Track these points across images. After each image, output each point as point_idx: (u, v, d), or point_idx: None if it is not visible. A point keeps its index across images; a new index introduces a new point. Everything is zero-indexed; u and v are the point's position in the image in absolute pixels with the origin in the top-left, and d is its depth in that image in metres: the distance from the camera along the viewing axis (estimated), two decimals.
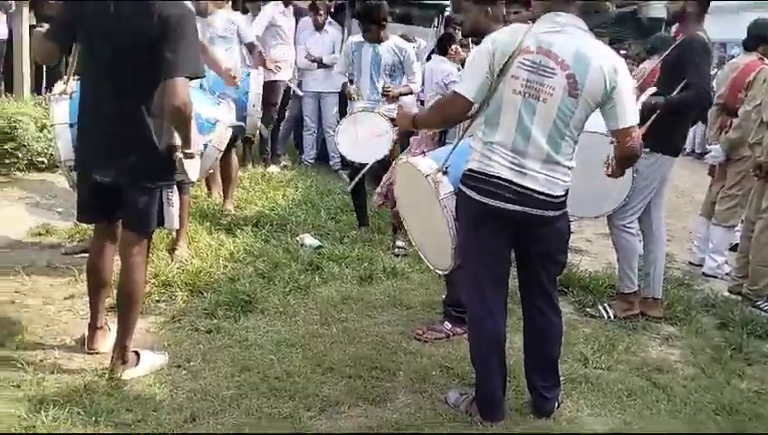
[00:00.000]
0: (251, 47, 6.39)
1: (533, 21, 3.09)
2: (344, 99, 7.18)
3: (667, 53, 4.65)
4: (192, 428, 2.99)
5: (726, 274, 5.84)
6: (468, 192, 3.12)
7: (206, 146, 4.16)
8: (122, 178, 3.28)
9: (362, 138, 5.69)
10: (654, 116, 4.38)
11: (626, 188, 4.38)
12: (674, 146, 4.58)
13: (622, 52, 9.36)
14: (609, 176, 3.34)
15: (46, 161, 6.32)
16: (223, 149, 4.82)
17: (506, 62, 2.98)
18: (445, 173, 3.28)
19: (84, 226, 4.89)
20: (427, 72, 7.13)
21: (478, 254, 3.18)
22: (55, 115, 3.88)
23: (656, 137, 4.39)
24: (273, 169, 8.09)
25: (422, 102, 6.93)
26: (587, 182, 3.33)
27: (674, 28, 5.88)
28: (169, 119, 3.17)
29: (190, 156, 3.31)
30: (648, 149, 4.44)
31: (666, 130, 4.39)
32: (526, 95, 2.98)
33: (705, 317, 4.82)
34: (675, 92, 4.34)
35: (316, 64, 8.28)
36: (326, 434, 2.70)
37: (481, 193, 3.07)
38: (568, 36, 2.98)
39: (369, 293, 4.67)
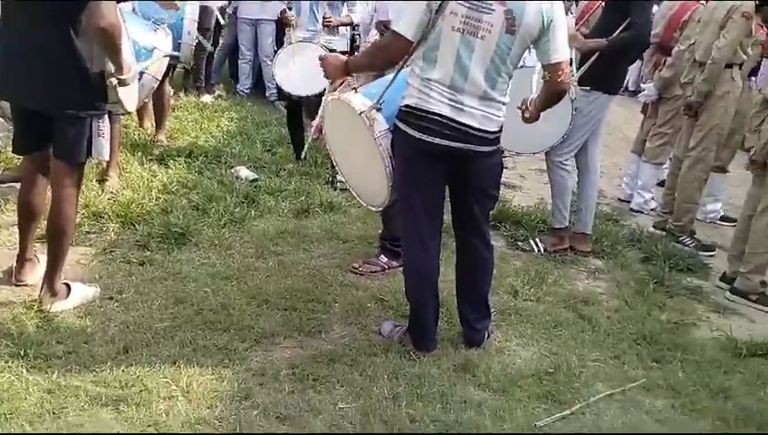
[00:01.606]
0: None
1: None
2: (281, 27, 7.04)
3: None
4: (125, 359, 2.97)
5: (653, 209, 6.05)
6: (405, 128, 3.11)
7: (142, 74, 4.03)
8: (50, 106, 3.16)
9: (300, 69, 5.59)
10: (594, 56, 4.43)
11: (564, 124, 4.44)
12: (613, 84, 4.65)
13: None
14: (525, 120, 3.34)
15: None
16: (160, 78, 4.69)
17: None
18: (379, 110, 3.26)
19: (9, 154, 4.73)
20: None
21: (414, 189, 3.19)
22: None
23: (596, 75, 4.46)
24: (206, 98, 7.92)
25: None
26: None
27: None
28: (96, 42, 3.04)
29: (124, 82, 3.20)
30: (587, 88, 4.53)
31: (606, 68, 4.45)
32: (465, 32, 2.96)
33: (631, 251, 5.00)
34: (617, 32, 4.38)
35: None
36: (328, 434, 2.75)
37: (419, 129, 3.07)
38: None
39: (305, 226, 4.67)
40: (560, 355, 3.41)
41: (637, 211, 6.10)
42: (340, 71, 3.38)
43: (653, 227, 5.57)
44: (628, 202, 6.29)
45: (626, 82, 12.58)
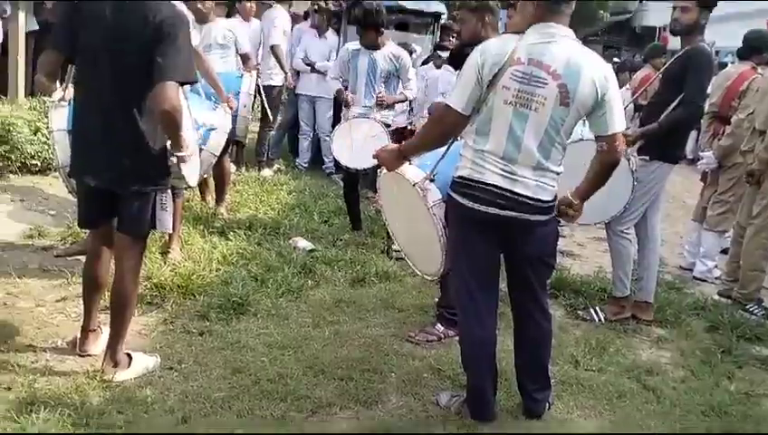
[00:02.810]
0: (245, 57, 6.41)
1: (524, 31, 3.10)
2: (338, 104, 7.20)
3: (670, 61, 4.65)
4: (184, 429, 2.99)
5: (717, 278, 5.89)
6: (459, 198, 3.13)
7: (201, 150, 4.18)
8: (116, 182, 3.29)
9: (357, 143, 5.71)
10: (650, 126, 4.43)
11: (626, 195, 4.41)
12: (673, 154, 4.62)
13: (615, 60, 9.38)
14: (567, 219, 3.27)
15: (39, 164, 6.32)
16: (218, 154, 4.84)
17: (496, 74, 2.99)
18: (432, 180, 3.30)
19: (76, 229, 4.90)
20: (431, 81, 7.16)
21: (468, 258, 3.19)
22: (54, 121, 3.90)
23: (655, 145, 4.44)
24: (266, 172, 8.12)
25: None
26: None
27: (663, 36, 5.88)
28: (159, 122, 3.18)
29: (182, 159, 3.32)
30: (647, 157, 4.50)
31: (665, 138, 4.43)
32: (517, 105, 3.00)
33: (695, 320, 4.84)
34: (671, 107, 4.37)
35: (310, 68, 8.31)
36: (320, 434, 2.70)
37: (472, 199, 3.09)
38: (558, 46, 2.99)
39: (361, 296, 4.68)
40: (624, 427, 3.30)
41: (700, 279, 5.94)
42: (396, 159, 3.40)
43: (718, 295, 5.40)
44: (690, 270, 6.14)
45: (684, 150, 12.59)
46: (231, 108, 5.15)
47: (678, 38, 4.57)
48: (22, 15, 7.82)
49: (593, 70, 2.98)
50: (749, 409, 3.62)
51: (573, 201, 3.22)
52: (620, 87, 3.32)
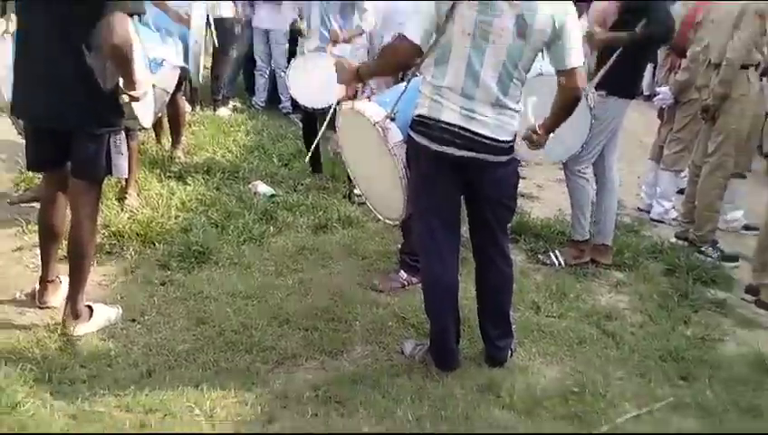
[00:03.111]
0: None
1: None
2: (294, 38, 7.03)
3: None
4: (148, 382, 2.97)
5: (674, 219, 5.94)
6: (418, 138, 3.09)
7: (152, 87, 4.04)
8: (66, 123, 3.16)
9: (315, 81, 5.56)
10: (614, 56, 4.38)
11: (584, 132, 4.39)
12: (630, 89, 4.59)
13: None
14: (531, 147, 3.26)
15: None
16: (171, 91, 4.68)
17: (454, 3, 2.91)
18: (392, 119, 3.23)
19: (30, 174, 4.75)
20: (389, 12, 6.97)
21: (429, 199, 3.17)
22: None
23: (611, 79, 4.40)
24: (222, 111, 7.93)
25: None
26: None
27: None
28: (109, 58, 3.04)
29: (134, 98, 3.20)
30: (603, 92, 4.48)
31: (622, 72, 4.40)
32: (475, 36, 2.93)
33: (653, 263, 4.93)
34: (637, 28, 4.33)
35: None
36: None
37: (431, 139, 3.04)
38: None
39: (324, 243, 4.66)
40: (585, 374, 3.38)
41: (657, 221, 6.00)
42: (351, 76, 3.34)
43: (675, 237, 5.47)
44: (648, 212, 6.18)
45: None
46: (186, 21, 4.94)
47: None
48: None
49: (551, 0, 2.92)
50: (705, 353, 3.71)
51: (539, 131, 3.20)
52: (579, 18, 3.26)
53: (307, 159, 5.77)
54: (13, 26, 3.63)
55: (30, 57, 3.16)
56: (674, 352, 3.65)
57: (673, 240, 5.41)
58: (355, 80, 3.38)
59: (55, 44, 3.06)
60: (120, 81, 3.15)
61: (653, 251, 5.12)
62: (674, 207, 6.02)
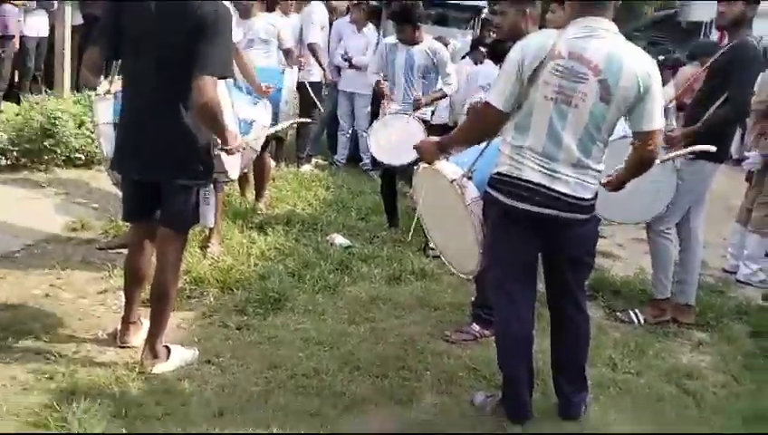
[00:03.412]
0: (287, 52, 6.45)
1: (565, 26, 3.06)
2: (377, 100, 7.19)
3: (715, 57, 4.52)
4: (220, 422, 3.02)
5: (761, 281, 5.76)
6: (497, 195, 3.11)
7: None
8: (160, 175, 3.33)
9: (394, 140, 5.68)
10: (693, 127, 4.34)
11: (669, 194, 4.33)
12: (718, 153, 4.51)
13: (660, 57, 9.21)
14: (606, 188, 3.26)
15: (83, 158, 6.42)
16: (259, 149, 4.87)
17: (536, 68, 2.95)
18: (470, 178, 3.28)
19: (119, 222, 4.97)
20: (471, 75, 7.09)
21: (506, 257, 3.17)
22: (99, 114, 3.95)
23: (701, 143, 4.34)
24: (305, 168, 8.15)
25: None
26: (631, 187, 3.29)
27: (715, 33, 5.74)
28: (197, 116, 3.21)
29: (230, 151, 3.35)
30: (692, 156, 4.40)
31: (710, 136, 4.33)
32: (558, 101, 2.96)
33: (738, 324, 4.75)
34: (715, 105, 4.28)
35: (348, 64, 8.33)
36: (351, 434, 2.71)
37: (511, 196, 3.06)
38: (600, 40, 2.94)
39: (397, 293, 4.68)
40: (662, 432, 3.25)
41: (743, 283, 5.80)
42: (435, 151, 3.40)
43: (762, 299, 5.28)
44: (734, 273, 6.00)
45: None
46: (267, 93, 5.15)
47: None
48: (68, 9, 7.96)
49: (635, 64, 2.92)
50: None
51: (613, 176, 3.22)
52: (663, 84, 3.25)
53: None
54: (114, 88, 3.87)
55: (131, 115, 3.37)
56: (759, 413, 3.48)
57: (760, 302, 5.22)
58: (439, 153, 3.42)
59: (155, 102, 3.25)
60: (215, 137, 3.31)
61: (738, 312, 4.94)
62: (761, 270, 5.82)
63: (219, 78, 3.20)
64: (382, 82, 6.02)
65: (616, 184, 3.25)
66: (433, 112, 6.37)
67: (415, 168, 3.84)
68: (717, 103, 4.30)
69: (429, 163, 3.45)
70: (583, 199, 3.05)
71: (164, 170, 3.31)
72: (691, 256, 4.67)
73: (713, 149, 3.99)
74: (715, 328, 4.63)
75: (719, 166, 4.55)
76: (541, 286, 3.36)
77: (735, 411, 3.54)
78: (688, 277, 4.67)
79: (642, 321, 4.60)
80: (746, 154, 6.25)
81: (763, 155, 5.72)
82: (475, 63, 7.62)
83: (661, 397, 3.61)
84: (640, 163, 3.14)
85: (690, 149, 4.06)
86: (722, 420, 3.45)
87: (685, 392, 3.70)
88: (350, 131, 8.69)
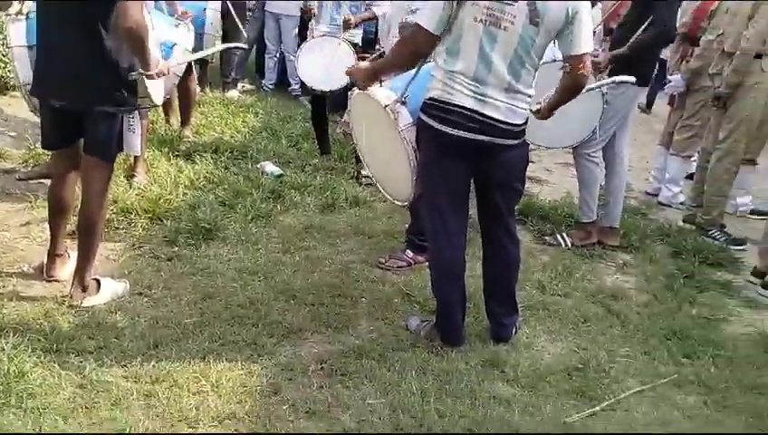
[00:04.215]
0: None
1: None
2: (304, 23, 7.03)
3: None
4: (155, 354, 2.99)
5: (681, 203, 5.97)
6: (430, 121, 3.10)
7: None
8: (83, 103, 3.19)
9: (324, 64, 5.56)
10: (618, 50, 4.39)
11: (595, 118, 4.40)
12: (643, 76, 4.59)
13: None
14: (536, 116, 3.29)
15: None
16: (181, 74, 4.71)
17: None
18: (403, 103, 3.25)
19: (38, 150, 4.78)
20: None
21: (439, 183, 3.19)
22: (12, 37, 3.75)
23: (625, 67, 4.40)
24: (233, 93, 7.95)
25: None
26: (558, 113, 3.32)
27: None
28: (123, 40, 3.08)
29: (150, 77, 3.23)
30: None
31: (635, 60, 4.40)
32: (487, 23, 2.93)
33: (660, 246, 4.94)
34: (638, 32, 4.33)
35: None
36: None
37: (442, 122, 3.06)
38: None
39: (331, 221, 4.68)
40: (589, 351, 3.40)
41: (665, 205, 6.03)
42: (369, 77, 3.35)
43: (682, 220, 5.49)
44: (656, 196, 6.21)
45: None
46: (188, 17, 4.97)
47: None
48: None
49: None
50: (709, 332, 3.72)
51: (541, 107, 3.25)
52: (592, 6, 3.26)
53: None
54: (26, 8, 3.66)
55: (48, 39, 3.20)
56: (678, 331, 3.67)
57: (680, 224, 5.43)
58: (373, 78, 3.37)
59: (73, 27, 3.10)
60: (136, 61, 3.17)
61: (660, 234, 5.14)
62: (682, 192, 6.04)
63: None
64: (309, 3, 5.85)
65: (546, 111, 3.28)
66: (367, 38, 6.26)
67: (349, 93, 3.78)
68: (643, 27, 4.35)
69: (362, 88, 3.39)
70: (514, 125, 3.07)
71: (87, 97, 3.18)
72: (616, 180, 4.79)
73: (632, 79, 4.06)
74: (639, 249, 4.80)
75: (642, 89, 4.64)
76: (472, 212, 3.39)
77: (657, 329, 3.70)
78: (613, 200, 4.80)
79: (569, 244, 4.72)
80: (669, 77, 6.36)
81: (685, 79, 5.83)
82: None
83: (588, 317, 3.74)
84: (572, 88, 3.16)
85: (612, 79, 4.12)
86: (644, 338, 3.60)
87: (610, 312, 3.84)
88: (277, 55, 8.47)
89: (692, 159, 6.10)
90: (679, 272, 4.44)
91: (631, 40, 4.38)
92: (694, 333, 3.66)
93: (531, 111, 3.22)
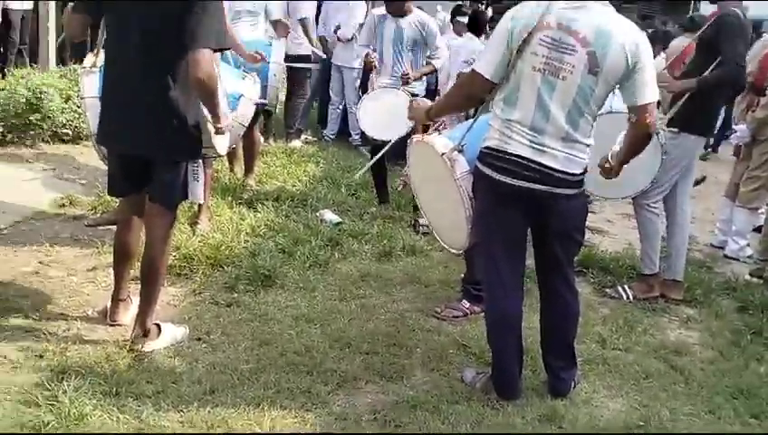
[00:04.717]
0: (276, 23, 6.38)
1: None
2: (366, 75, 7.15)
3: (702, 29, 4.55)
4: (211, 400, 3.03)
5: (749, 256, 5.80)
6: (486, 170, 3.10)
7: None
8: (149, 152, 3.29)
9: (384, 114, 5.65)
10: (685, 97, 4.34)
11: (654, 169, 4.35)
12: (704, 126, 4.52)
13: (650, 30, 9.21)
14: (605, 175, 3.30)
15: (71, 133, 6.37)
16: (247, 124, 4.84)
17: (525, 39, 2.95)
18: (460, 151, 3.27)
19: (107, 198, 4.94)
20: (453, 50, 7.04)
21: (495, 232, 3.18)
22: (85, 88, 3.90)
23: (686, 116, 4.35)
24: (295, 143, 8.11)
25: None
26: None
27: (704, 6, 5.71)
28: (194, 91, 3.16)
29: (220, 131, 3.32)
30: (677, 129, 4.42)
31: (697, 109, 4.35)
32: (546, 72, 2.95)
33: (726, 300, 4.79)
34: (708, 71, 4.29)
35: (337, 37, 8.26)
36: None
37: (499, 171, 3.06)
38: (589, 12, 2.93)
39: (387, 270, 4.69)
40: (650, 408, 3.30)
41: (731, 258, 5.85)
42: (423, 114, 3.42)
43: (749, 274, 5.32)
44: (722, 248, 6.05)
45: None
46: (257, 61, 5.12)
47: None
48: None
49: (624, 37, 2.91)
50: None
51: (611, 162, 3.24)
52: (654, 56, 3.24)
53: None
54: (100, 61, 3.82)
55: (117, 88, 3.29)
56: (745, 389, 3.53)
57: (747, 278, 5.26)
58: (426, 118, 3.43)
59: (142, 76, 3.18)
60: (206, 112, 3.27)
61: (726, 288, 4.98)
62: (749, 245, 5.87)
63: (215, 50, 3.14)
64: (371, 53, 5.96)
65: (617, 167, 3.25)
66: (428, 88, 6.34)
67: (408, 141, 3.84)
68: (710, 68, 4.29)
69: (419, 127, 3.45)
70: (572, 174, 3.05)
71: (153, 146, 3.27)
72: (678, 231, 4.69)
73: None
74: (703, 304, 4.66)
75: (704, 139, 4.57)
76: (530, 262, 3.36)
77: (722, 387, 3.57)
78: (675, 252, 4.69)
79: (631, 297, 4.62)
80: (734, 128, 6.26)
81: (751, 129, 5.72)
82: (458, 35, 7.56)
83: (649, 373, 3.63)
84: (638, 138, 3.14)
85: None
86: (709, 396, 3.48)
87: (672, 368, 3.73)
88: (340, 106, 8.64)
89: (759, 211, 5.95)
90: (746, 328, 4.29)
91: (702, 76, 4.32)
92: (762, 392, 3.52)
93: (604, 167, 3.22)
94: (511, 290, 3.23)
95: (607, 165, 3.24)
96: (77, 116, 6.21)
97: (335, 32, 8.27)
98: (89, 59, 3.92)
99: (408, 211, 5.80)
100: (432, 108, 3.45)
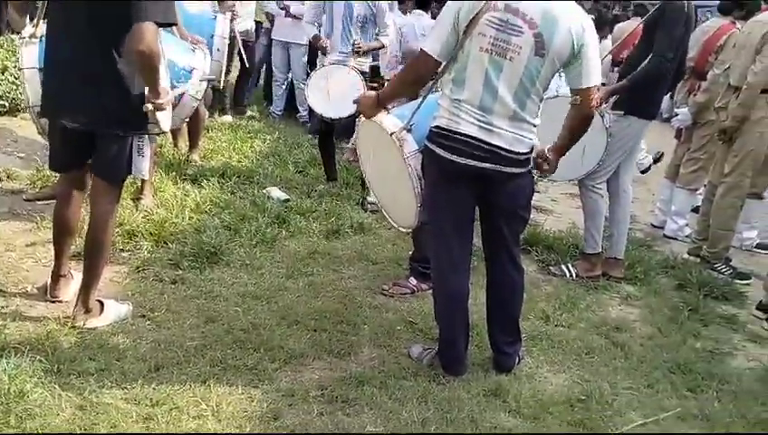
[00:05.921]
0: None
1: None
2: (313, 50, 7.09)
3: (647, 15, 4.64)
4: (156, 377, 2.99)
5: (687, 236, 5.96)
6: (436, 149, 3.12)
7: (182, 95, 4.11)
8: (93, 125, 3.21)
9: (333, 92, 5.62)
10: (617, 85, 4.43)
11: (599, 151, 4.42)
12: (649, 109, 4.61)
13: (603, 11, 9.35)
14: (542, 172, 3.31)
15: (7, 105, 6.15)
16: (200, 98, 4.74)
17: (473, 19, 2.96)
18: (409, 131, 3.27)
19: (46, 172, 4.81)
20: (406, 28, 7.01)
21: (444, 211, 3.20)
22: (24, 59, 3.78)
23: (631, 100, 4.43)
24: (225, 118, 7.97)
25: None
26: None
27: None
28: (136, 64, 3.08)
29: (159, 106, 3.24)
30: (622, 112, 4.50)
31: (641, 93, 4.42)
32: (493, 53, 2.97)
33: (665, 278, 4.93)
34: (640, 67, 4.37)
35: (284, 12, 8.14)
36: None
37: (448, 150, 3.07)
38: None
39: (335, 247, 4.69)
40: (592, 383, 3.37)
41: (670, 237, 6.02)
42: (374, 106, 3.37)
43: (687, 253, 5.47)
44: (662, 228, 6.21)
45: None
46: (197, 43, 5.01)
47: None
48: None
49: (570, 20, 2.94)
50: (714, 366, 3.69)
51: (549, 156, 3.24)
52: (601, 39, 3.29)
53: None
54: (40, 31, 3.70)
55: (60, 60, 3.21)
56: (682, 364, 3.64)
57: (686, 256, 5.42)
58: (378, 107, 3.39)
59: (86, 48, 3.11)
60: (146, 89, 3.19)
61: (665, 266, 5.12)
62: (688, 225, 6.04)
63: (161, 25, 3.06)
64: (323, 38, 5.91)
65: (561, 150, 3.28)
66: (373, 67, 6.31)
67: (356, 120, 3.82)
68: (646, 61, 4.38)
69: (368, 117, 3.42)
70: (519, 153, 3.08)
71: (97, 119, 3.18)
72: (620, 211, 4.79)
73: None
74: (643, 281, 4.78)
75: (648, 122, 4.66)
76: (477, 240, 3.39)
77: (660, 362, 3.67)
78: (617, 232, 4.79)
79: (574, 275, 4.71)
80: (676, 111, 6.39)
81: (692, 112, 5.85)
82: (404, 14, 7.52)
83: (591, 349, 3.71)
84: (580, 121, 3.17)
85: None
86: (648, 370, 3.57)
87: (613, 344, 3.81)
88: (285, 82, 8.54)
89: (698, 192, 6.11)
90: (684, 305, 4.41)
91: (632, 74, 4.41)
92: (698, 367, 3.63)
93: (541, 165, 3.22)
94: (459, 267, 3.26)
95: (543, 161, 3.23)
96: (14, 87, 6.00)
97: (283, 8, 8.14)
98: (28, 29, 3.79)
99: (357, 189, 5.78)
100: (381, 95, 3.39)
